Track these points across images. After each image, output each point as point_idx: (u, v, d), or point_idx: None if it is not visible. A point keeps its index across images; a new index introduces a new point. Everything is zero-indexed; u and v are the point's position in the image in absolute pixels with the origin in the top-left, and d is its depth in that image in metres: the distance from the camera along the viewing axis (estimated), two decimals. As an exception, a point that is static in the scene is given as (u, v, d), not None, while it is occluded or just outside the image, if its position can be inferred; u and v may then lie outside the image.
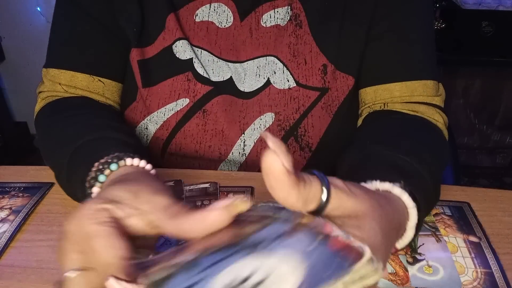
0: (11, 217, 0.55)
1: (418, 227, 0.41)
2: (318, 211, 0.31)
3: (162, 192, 0.35)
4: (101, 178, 0.43)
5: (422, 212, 0.41)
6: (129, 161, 0.43)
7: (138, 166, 0.44)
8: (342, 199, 0.32)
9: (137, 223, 0.33)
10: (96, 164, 0.43)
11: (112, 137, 0.52)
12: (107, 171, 0.43)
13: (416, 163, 0.47)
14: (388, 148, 0.50)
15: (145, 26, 0.65)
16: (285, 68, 0.65)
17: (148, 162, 0.45)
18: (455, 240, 0.52)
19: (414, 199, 0.40)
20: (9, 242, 0.51)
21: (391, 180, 0.40)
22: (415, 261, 0.49)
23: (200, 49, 0.66)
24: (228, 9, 0.66)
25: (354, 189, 0.33)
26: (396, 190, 0.40)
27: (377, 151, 0.50)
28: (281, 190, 0.29)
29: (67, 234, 0.32)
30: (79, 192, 0.46)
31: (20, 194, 0.59)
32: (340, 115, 0.66)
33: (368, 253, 0.27)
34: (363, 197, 0.33)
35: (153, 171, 0.45)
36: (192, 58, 0.65)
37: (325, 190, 0.31)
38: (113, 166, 0.43)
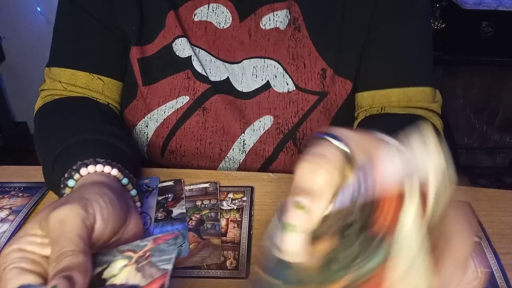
0: (11, 217, 0.55)
1: None
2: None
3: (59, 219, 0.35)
4: (66, 191, 0.46)
5: None
6: (83, 171, 0.45)
7: (95, 172, 0.46)
8: (355, 138, 0.32)
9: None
10: (62, 179, 0.46)
11: (93, 139, 0.52)
12: (66, 189, 0.46)
13: None
14: None
15: (144, 25, 0.65)
16: (284, 72, 0.65)
17: (112, 163, 0.47)
18: (455, 240, 0.52)
19: None
20: (9, 242, 0.51)
21: None
22: (415, 261, 0.48)
23: (198, 49, 0.66)
24: (227, 10, 0.66)
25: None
26: None
27: None
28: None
29: None
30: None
31: (20, 194, 0.59)
32: (338, 119, 0.66)
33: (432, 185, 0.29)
34: (366, 133, 0.34)
35: (114, 172, 0.47)
36: (191, 56, 0.65)
37: (339, 143, 0.31)
38: (71, 182, 0.45)
